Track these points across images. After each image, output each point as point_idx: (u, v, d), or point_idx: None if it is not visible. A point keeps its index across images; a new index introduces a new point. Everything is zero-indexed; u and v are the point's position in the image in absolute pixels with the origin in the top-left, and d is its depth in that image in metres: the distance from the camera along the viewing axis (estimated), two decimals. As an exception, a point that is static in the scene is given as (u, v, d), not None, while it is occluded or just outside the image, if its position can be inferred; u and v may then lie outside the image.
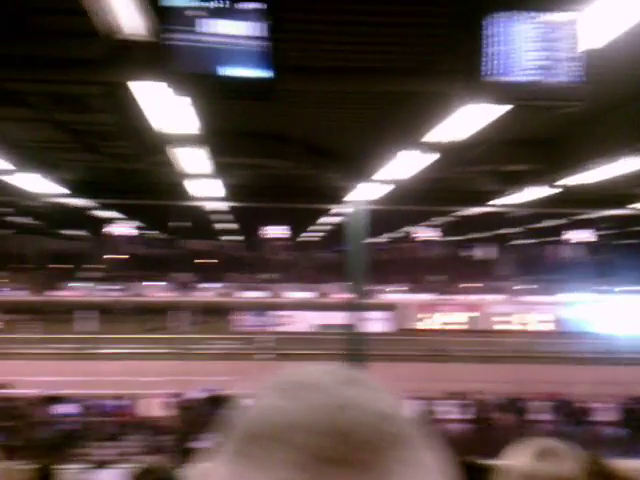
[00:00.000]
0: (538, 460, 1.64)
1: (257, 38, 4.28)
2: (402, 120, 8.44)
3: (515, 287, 54.89)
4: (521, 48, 4.03)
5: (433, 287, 58.40)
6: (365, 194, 12.72)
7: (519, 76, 4.05)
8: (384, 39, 6.05)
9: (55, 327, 44.02)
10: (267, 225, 37.48)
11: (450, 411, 17.98)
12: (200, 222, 35.34)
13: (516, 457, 1.70)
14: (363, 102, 8.35)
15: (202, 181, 11.73)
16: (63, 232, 59.93)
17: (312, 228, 40.57)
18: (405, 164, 9.66)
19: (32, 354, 36.14)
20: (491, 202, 13.11)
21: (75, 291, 61.67)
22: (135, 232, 49.66)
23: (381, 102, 8.10)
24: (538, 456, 1.65)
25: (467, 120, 6.55)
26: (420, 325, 46.01)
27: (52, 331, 41.75)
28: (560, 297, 47.77)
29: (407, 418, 0.60)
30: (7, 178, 10.92)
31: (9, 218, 49.12)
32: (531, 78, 4.14)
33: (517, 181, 11.54)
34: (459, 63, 4.53)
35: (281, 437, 0.56)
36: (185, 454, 18.45)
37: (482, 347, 39.22)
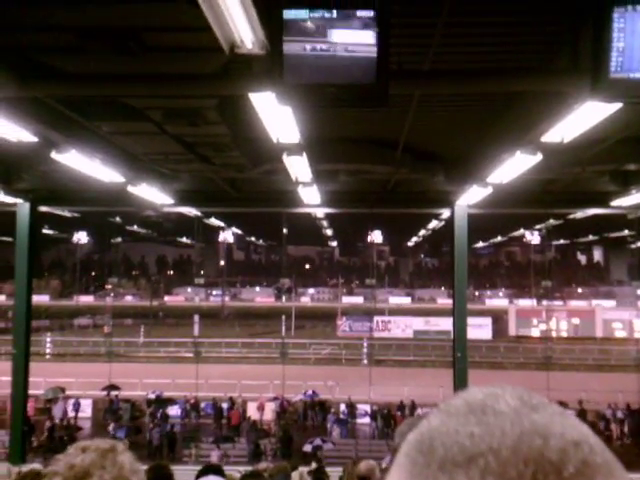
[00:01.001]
0: None
1: (367, 45, 4.31)
2: (513, 121, 8.23)
3: (626, 292, 52.06)
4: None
5: (538, 293, 56.41)
6: (470, 197, 12.48)
7: (651, 71, 3.86)
8: (498, 39, 5.92)
9: (165, 331, 45.97)
10: (369, 231, 37.46)
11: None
12: (302, 229, 35.90)
13: None
14: (470, 104, 8.20)
15: (307, 188, 11.89)
16: (178, 240, 62.70)
17: (414, 233, 40.20)
18: (514, 166, 9.40)
19: (142, 357, 37.92)
20: (609, 203, 12.51)
21: (184, 296, 64.11)
22: (241, 239, 51.04)
23: (491, 103, 7.93)
24: None
25: (586, 118, 6.29)
26: (523, 331, 44.51)
27: (162, 335, 43.58)
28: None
29: (599, 444, 0.58)
30: (128, 189, 11.51)
31: (130, 227, 51.88)
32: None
33: (636, 181, 10.97)
34: (583, 60, 4.37)
35: (476, 464, 0.54)
36: (288, 457, 18.78)
37: (588, 355, 37.53)
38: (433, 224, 29.31)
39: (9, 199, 12.86)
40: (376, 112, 8.18)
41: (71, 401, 26.26)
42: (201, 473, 4.24)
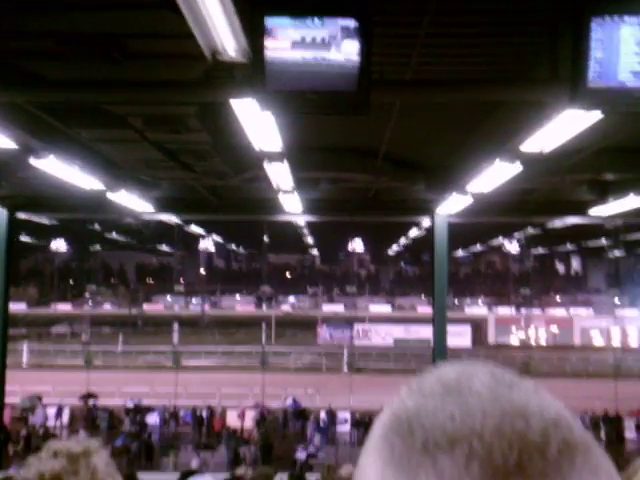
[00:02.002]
0: None
1: (349, 53, 4.35)
2: (492, 129, 8.31)
3: (604, 300, 52.70)
4: (630, 52, 3.90)
5: (517, 301, 56.86)
6: (451, 206, 12.57)
7: (629, 82, 3.92)
8: (478, 49, 5.99)
9: (144, 339, 45.58)
10: (350, 239, 37.54)
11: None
12: (283, 236, 35.91)
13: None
14: (450, 112, 8.28)
15: (288, 196, 11.91)
16: (158, 248, 62.34)
17: (395, 241, 40.33)
18: (494, 175, 9.49)
19: (121, 366, 37.56)
20: (587, 212, 12.66)
21: (164, 304, 63.64)
22: (221, 247, 50.91)
23: (472, 111, 8.01)
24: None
25: (564, 128, 6.38)
26: (502, 340, 44.81)
27: (141, 343, 43.22)
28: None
29: (575, 421, 0.58)
30: (108, 196, 11.43)
31: (109, 235, 51.44)
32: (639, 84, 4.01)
33: (614, 191, 11.13)
34: (562, 70, 4.43)
35: (460, 448, 0.53)
36: (268, 464, 18.69)
37: (566, 363, 37.85)
38: (414, 232, 29.42)
39: (-14, 206, 12.72)
40: (357, 120, 8.21)
41: (52, 409, 25.96)
42: (182, 477, 4.21)
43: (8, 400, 16.11)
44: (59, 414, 26.01)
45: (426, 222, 15.59)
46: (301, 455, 20.34)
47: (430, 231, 14.10)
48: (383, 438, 0.58)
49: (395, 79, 6.24)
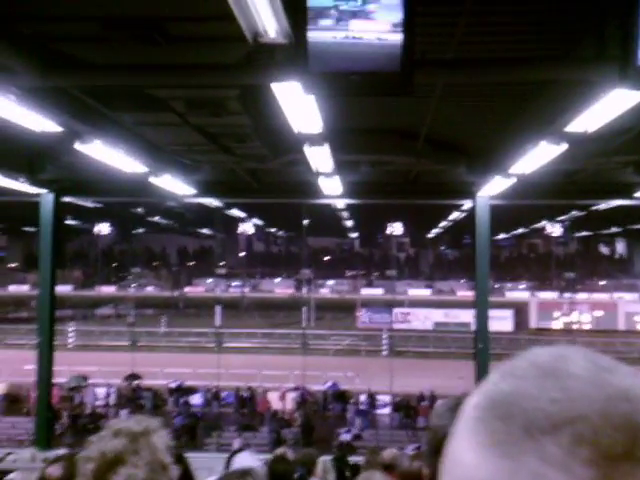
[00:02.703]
0: None
1: (392, 33, 4.29)
2: (537, 110, 8.14)
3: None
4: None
5: (560, 285, 55.93)
6: (493, 188, 12.39)
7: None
8: (522, 27, 5.85)
9: (186, 321, 46.30)
10: (390, 222, 37.34)
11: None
12: (322, 220, 35.93)
13: None
14: (494, 93, 8.13)
15: (328, 179, 11.89)
16: (199, 231, 63.14)
17: (435, 224, 39.97)
18: (538, 156, 9.31)
19: (164, 347, 38.25)
20: (633, 194, 12.35)
21: (204, 287, 64.52)
22: (261, 230, 51.21)
23: (516, 92, 7.85)
24: None
25: (612, 107, 6.21)
26: (544, 324, 44.19)
27: (183, 325, 43.91)
28: None
29: None
30: (150, 180, 11.58)
31: (152, 218, 52.22)
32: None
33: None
34: (610, 48, 4.30)
35: (565, 432, 0.53)
36: (309, 445, 18.86)
37: (610, 348, 37.17)
38: (454, 215, 29.08)
39: (33, 190, 13.00)
40: (398, 102, 8.14)
41: (100, 389, 26.63)
42: (232, 456, 4.29)
43: (56, 380, 16.54)
44: (108, 394, 26.68)
45: (467, 204, 15.40)
46: (346, 436, 20.50)
47: (471, 214, 13.94)
48: (479, 422, 0.57)
49: (438, 58, 6.14)
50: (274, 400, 25.73)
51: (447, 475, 0.59)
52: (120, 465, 1.31)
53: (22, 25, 5.73)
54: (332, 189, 12.87)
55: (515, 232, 57.84)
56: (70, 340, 39.05)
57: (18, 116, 7.36)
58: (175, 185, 12.37)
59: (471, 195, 13.39)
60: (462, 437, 0.58)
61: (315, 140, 8.85)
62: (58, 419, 21.72)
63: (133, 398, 26.62)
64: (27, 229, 59.46)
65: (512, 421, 0.55)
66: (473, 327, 14.04)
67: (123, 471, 1.30)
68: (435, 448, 1.41)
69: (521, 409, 0.55)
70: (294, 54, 4.70)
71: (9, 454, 9.27)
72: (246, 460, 2.57)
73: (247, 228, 49.25)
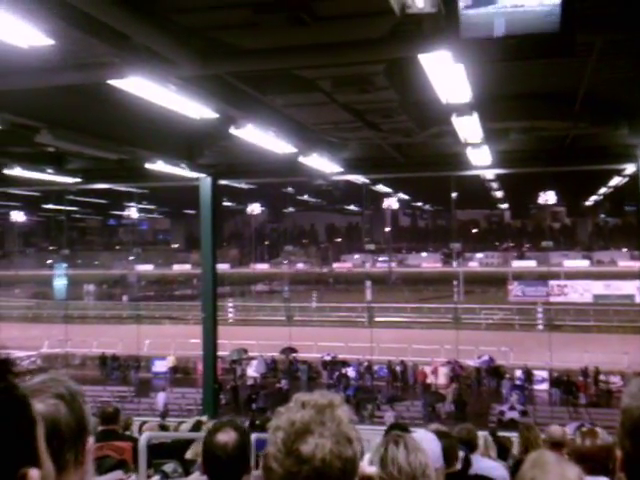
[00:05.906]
0: None
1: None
2: None
3: None
4: None
5: None
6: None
7: None
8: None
9: (336, 296, 47.33)
10: (542, 191, 35.60)
11: None
12: (469, 192, 35.07)
13: None
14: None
15: (476, 149, 11.57)
16: (346, 208, 64.22)
17: (593, 192, 37.57)
18: None
19: (316, 321, 39.39)
20: None
21: (352, 263, 65.54)
22: (406, 205, 50.93)
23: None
24: None
25: None
26: None
27: (333, 300, 44.91)
28: None
29: None
30: (299, 160, 11.90)
31: (301, 197, 53.84)
32: None
33: None
34: None
35: None
36: (462, 420, 18.64)
37: None
38: (615, 181, 27.17)
39: (193, 174, 13.82)
40: (552, 64, 7.72)
41: (261, 360, 27.96)
42: (390, 429, 4.36)
43: (219, 353, 17.57)
44: (270, 367, 28.03)
45: (630, 169, 14.36)
46: (511, 413, 19.92)
47: (635, 178, 13.03)
48: None
49: (596, 15, 5.74)
50: (427, 374, 25.74)
51: None
52: (308, 435, 1.38)
53: (181, 17, 6.05)
54: (481, 159, 12.52)
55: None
56: (230, 315, 41.24)
57: (179, 105, 7.83)
58: (323, 163, 12.61)
59: (634, 158, 12.53)
60: None
61: (463, 110, 8.64)
62: (222, 390, 23.10)
63: (290, 370, 27.68)
64: (187, 212, 63.33)
65: None
66: (638, 299, 13.15)
67: (311, 440, 1.36)
68: (630, 430, 1.35)
69: None
70: (443, 23, 4.60)
71: (182, 423, 10.05)
72: (425, 437, 2.59)
73: (391, 203, 49.17)
